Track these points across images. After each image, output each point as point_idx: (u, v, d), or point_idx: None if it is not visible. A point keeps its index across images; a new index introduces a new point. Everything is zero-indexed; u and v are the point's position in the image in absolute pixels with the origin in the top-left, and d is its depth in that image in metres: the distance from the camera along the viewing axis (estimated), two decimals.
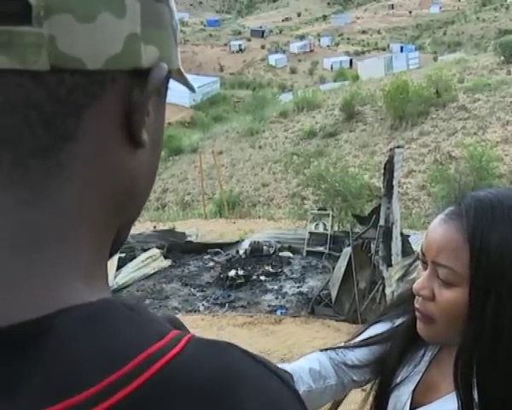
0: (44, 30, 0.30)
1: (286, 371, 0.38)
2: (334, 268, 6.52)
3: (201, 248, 8.25)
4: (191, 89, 0.45)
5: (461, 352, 0.80)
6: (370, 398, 1.02)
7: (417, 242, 6.13)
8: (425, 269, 0.86)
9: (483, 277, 0.76)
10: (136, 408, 0.29)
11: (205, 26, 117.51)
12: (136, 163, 0.37)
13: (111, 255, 0.40)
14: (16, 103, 0.31)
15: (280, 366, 1.00)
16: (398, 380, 0.93)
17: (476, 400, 0.78)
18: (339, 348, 1.04)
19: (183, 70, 0.42)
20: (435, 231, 0.83)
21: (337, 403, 1.09)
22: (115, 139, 0.35)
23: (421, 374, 0.91)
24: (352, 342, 1.05)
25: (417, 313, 0.86)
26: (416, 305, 0.86)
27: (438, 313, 0.82)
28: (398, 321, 0.99)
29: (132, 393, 0.29)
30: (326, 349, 1.04)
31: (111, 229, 0.37)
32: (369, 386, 1.05)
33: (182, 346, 0.32)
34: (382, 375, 0.97)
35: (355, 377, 1.01)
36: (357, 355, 1.01)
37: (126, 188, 0.37)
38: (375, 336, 1.01)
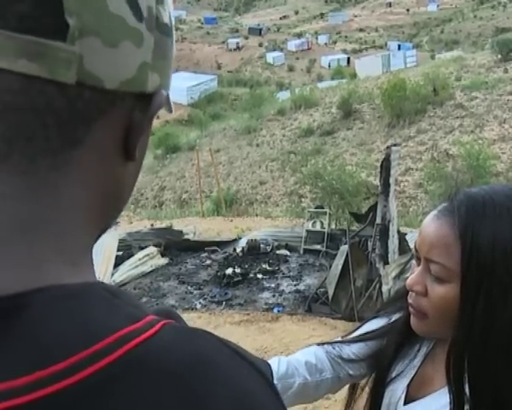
0: (76, 48, 0.34)
1: (265, 363, 0.39)
2: (331, 266, 6.53)
3: (199, 246, 8.25)
4: (170, 111, 0.49)
5: (452, 347, 0.81)
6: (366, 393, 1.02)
7: (414, 240, 6.11)
8: (418, 265, 0.86)
9: (474, 273, 0.77)
10: (103, 385, 0.30)
11: (202, 23, 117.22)
12: (125, 173, 0.42)
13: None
14: (37, 107, 0.34)
15: (276, 357, 1.01)
16: (394, 375, 0.94)
17: (468, 394, 0.79)
18: (336, 342, 1.05)
19: (170, 96, 0.46)
20: (428, 228, 0.84)
21: (352, 397, 1.08)
22: (114, 151, 0.39)
23: (416, 369, 0.92)
24: (348, 337, 1.06)
25: (410, 309, 0.87)
26: (410, 300, 0.87)
27: (430, 308, 0.83)
28: (395, 317, 1.00)
29: (101, 370, 0.30)
30: (323, 343, 1.05)
31: (97, 225, 0.41)
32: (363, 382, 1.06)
33: (156, 330, 0.33)
34: (378, 370, 0.98)
35: (351, 372, 1.02)
36: (353, 350, 1.02)
37: (114, 193, 0.41)
38: (372, 331, 1.02)
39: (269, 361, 0.98)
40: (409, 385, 0.92)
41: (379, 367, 0.98)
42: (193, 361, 0.33)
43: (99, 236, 0.43)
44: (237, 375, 0.34)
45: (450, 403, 0.80)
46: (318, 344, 1.05)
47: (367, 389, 1.05)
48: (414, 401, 0.90)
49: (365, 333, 1.03)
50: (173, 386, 0.31)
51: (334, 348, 1.02)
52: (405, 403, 0.91)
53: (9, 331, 0.30)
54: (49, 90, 0.34)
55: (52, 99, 0.34)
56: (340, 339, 1.06)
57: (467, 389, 0.79)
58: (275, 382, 0.94)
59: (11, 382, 0.28)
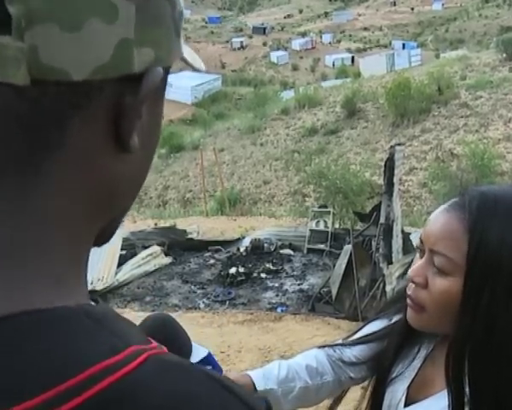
0: (25, 42, 0.29)
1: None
2: (334, 266, 6.52)
3: (202, 246, 8.26)
4: (198, 70, 0.43)
5: (452, 345, 0.80)
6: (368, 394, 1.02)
7: (418, 239, 6.11)
8: (421, 257, 0.86)
9: (480, 269, 0.76)
10: None
11: (206, 23, 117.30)
12: (123, 167, 0.36)
13: (98, 245, 0.40)
14: None
15: (277, 361, 1.00)
16: (395, 376, 0.94)
17: (468, 395, 0.78)
18: (336, 345, 1.05)
19: (186, 57, 0.39)
20: (436, 220, 0.83)
21: (337, 401, 1.09)
22: (102, 146, 0.34)
23: (416, 370, 0.92)
24: (349, 339, 1.05)
25: (408, 301, 0.86)
26: (408, 292, 0.86)
27: (429, 301, 0.82)
28: (395, 318, 0.99)
29: (77, 407, 0.27)
30: (323, 346, 1.05)
31: (92, 231, 0.37)
32: (367, 383, 1.05)
33: (138, 363, 0.30)
34: (378, 371, 0.98)
35: (352, 374, 1.01)
36: (354, 352, 1.02)
37: (111, 191, 0.36)
38: (373, 333, 1.02)
39: (269, 365, 0.98)
40: (409, 387, 0.91)
41: (380, 369, 0.97)
42: (175, 398, 0.30)
43: (105, 235, 0.40)
44: None
45: (450, 404, 0.79)
46: (319, 347, 1.05)
47: (357, 393, 1.04)
48: (414, 403, 0.89)
49: (366, 335, 1.03)
50: None
51: (335, 351, 1.02)
52: (406, 405, 0.90)
53: None
54: (4, 93, 0.30)
55: (10, 102, 0.30)
56: (340, 342, 1.05)
57: (467, 390, 0.78)
58: (275, 386, 0.94)
59: None
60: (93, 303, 0.37)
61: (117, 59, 0.32)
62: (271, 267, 7.43)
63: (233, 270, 7.24)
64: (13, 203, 0.32)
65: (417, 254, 0.89)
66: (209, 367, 0.79)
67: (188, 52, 0.40)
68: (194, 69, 0.42)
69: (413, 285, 0.85)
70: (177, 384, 0.31)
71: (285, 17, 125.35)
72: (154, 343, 0.34)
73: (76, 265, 0.35)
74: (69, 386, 0.28)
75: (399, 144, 6.12)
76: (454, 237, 0.79)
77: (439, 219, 0.83)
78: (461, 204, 0.81)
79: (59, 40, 0.29)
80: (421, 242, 0.86)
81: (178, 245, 8.19)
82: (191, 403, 0.30)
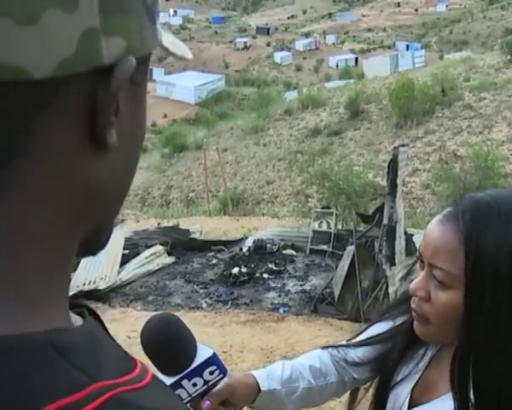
0: None
1: None
2: (337, 267, 6.52)
3: (205, 246, 8.26)
4: (183, 58, 0.41)
5: (457, 352, 0.81)
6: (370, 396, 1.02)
7: (421, 241, 6.10)
8: (422, 269, 0.86)
9: (478, 279, 0.76)
10: None
11: (210, 23, 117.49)
12: (103, 167, 0.33)
13: (92, 254, 0.38)
14: None
15: (281, 361, 1.00)
16: (399, 378, 0.94)
17: (472, 400, 0.78)
18: (340, 345, 1.04)
19: (166, 45, 0.37)
20: (432, 232, 0.83)
21: (352, 402, 1.08)
22: (76, 146, 0.31)
23: (420, 373, 0.92)
24: (353, 340, 1.05)
25: (413, 313, 0.87)
26: (412, 305, 0.87)
27: (433, 313, 0.83)
28: (400, 320, 0.99)
29: None
30: (327, 347, 1.05)
31: (72, 241, 0.34)
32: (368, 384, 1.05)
33: (94, 406, 0.28)
34: (382, 373, 0.98)
35: (355, 375, 1.01)
36: (358, 353, 1.02)
37: (92, 195, 0.34)
38: (377, 335, 1.02)
39: (273, 365, 0.98)
40: (413, 389, 0.91)
41: (384, 370, 0.97)
42: None
43: (97, 242, 0.37)
44: None
45: (455, 409, 0.79)
46: (323, 348, 1.05)
47: (370, 392, 1.04)
48: (418, 405, 0.89)
49: (370, 337, 1.03)
50: None
51: (338, 352, 1.02)
52: (409, 408, 0.90)
53: None
54: None
55: None
56: (344, 342, 1.05)
57: (471, 395, 0.78)
58: (279, 387, 0.94)
59: None
60: (78, 318, 0.34)
61: (83, 51, 0.29)
62: (274, 268, 7.43)
63: (235, 270, 7.24)
64: None
65: (418, 265, 0.89)
66: (214, 368, 0.80)
67: (169, 40, 0.38)
68: (178, 57, 0.40)
69: (416, 299, 0.86)
70: None
71: (289, 18, 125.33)
72: (135, 372, 0.32)
73: (52, 281, 0.32)
74: None
75: (403, 145, 6.12)
76: (450, 250, 0.79)
77: (435, 232, 0.82)
78: (455, 215, 0.81)
79: (15, 36, 0.26)
80: (421, 254, 0.86)
81: (181, 245, 8.20)
82: None
